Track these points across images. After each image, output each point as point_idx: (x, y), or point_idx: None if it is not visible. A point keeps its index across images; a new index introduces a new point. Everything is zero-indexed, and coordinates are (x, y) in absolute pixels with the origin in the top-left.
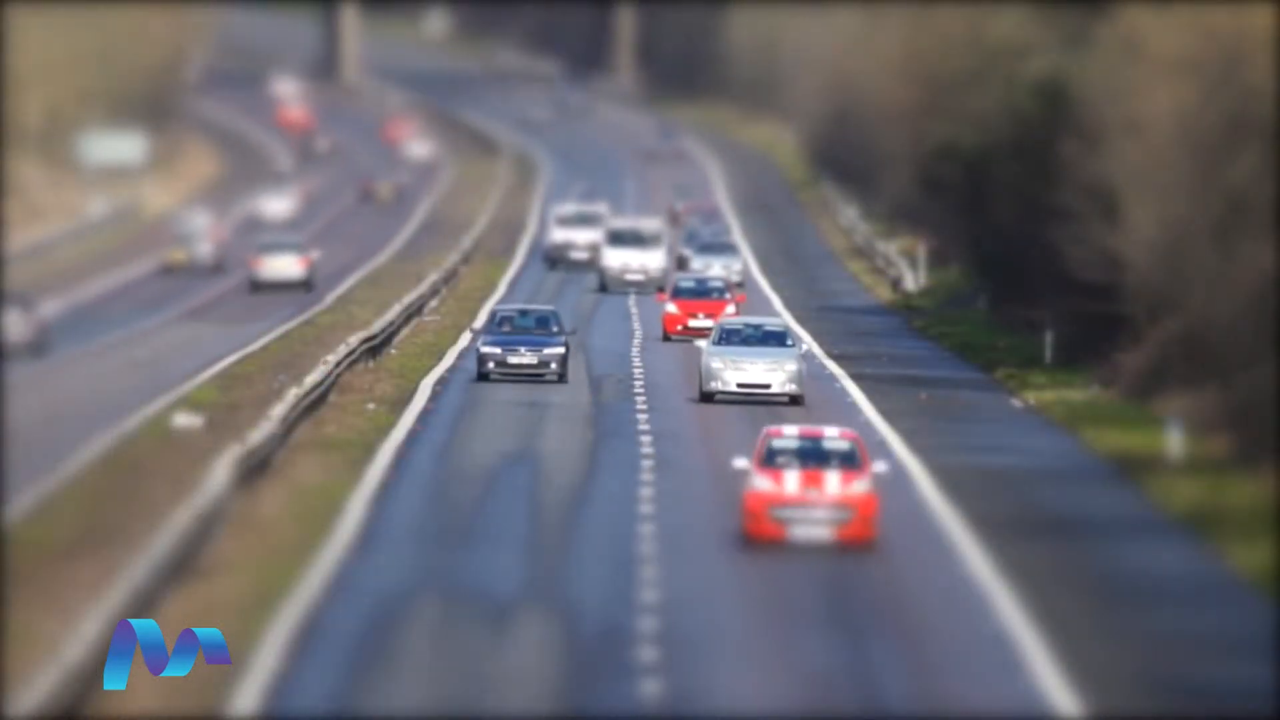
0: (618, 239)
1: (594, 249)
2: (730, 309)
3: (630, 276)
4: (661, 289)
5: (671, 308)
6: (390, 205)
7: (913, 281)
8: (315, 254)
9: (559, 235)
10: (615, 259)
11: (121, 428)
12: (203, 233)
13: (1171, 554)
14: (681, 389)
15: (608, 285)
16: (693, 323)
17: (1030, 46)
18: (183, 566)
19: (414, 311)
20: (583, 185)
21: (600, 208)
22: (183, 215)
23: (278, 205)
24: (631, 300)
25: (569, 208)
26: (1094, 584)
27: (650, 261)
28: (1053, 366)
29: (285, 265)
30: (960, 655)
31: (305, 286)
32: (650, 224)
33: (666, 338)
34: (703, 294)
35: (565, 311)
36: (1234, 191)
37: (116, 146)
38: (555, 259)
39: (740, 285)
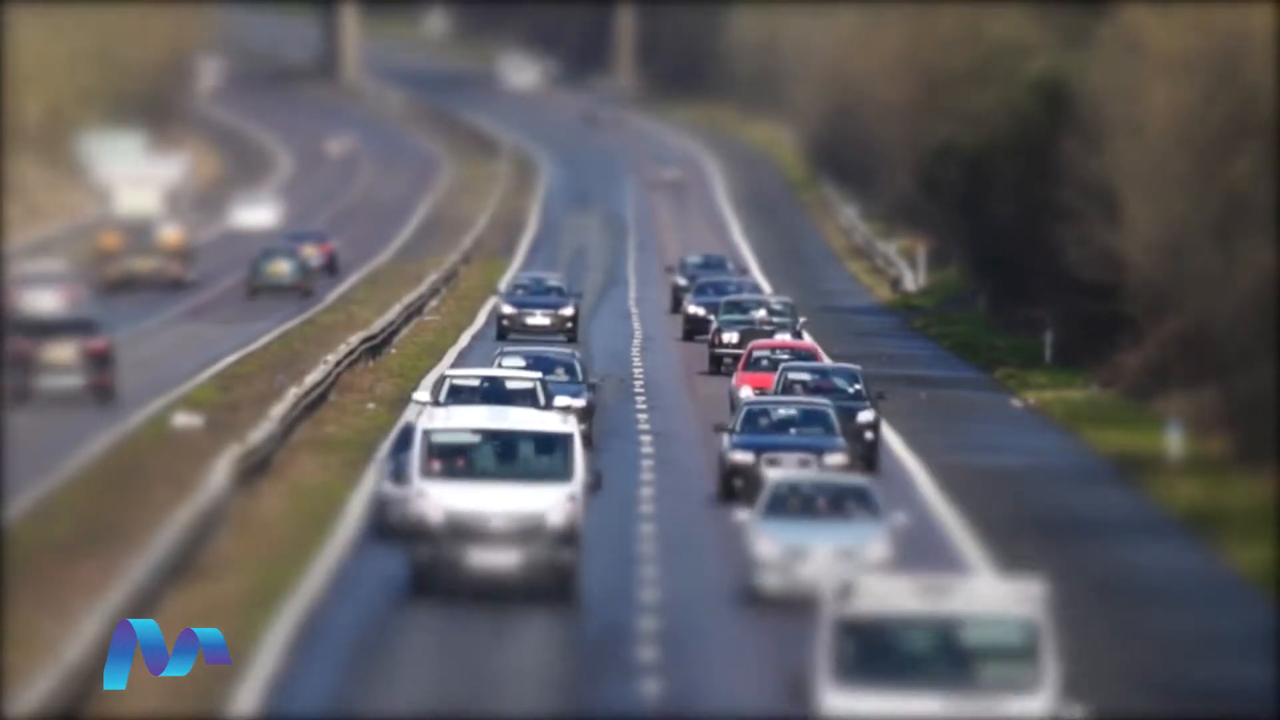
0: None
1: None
2: None
3: None
4: None
5: None
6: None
7: (912, 281)
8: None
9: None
10: None
11: (121, 427)
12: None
13: (1171, 553)
14: (682, 389)
15: None
16: None
17: (1030, 46)
18: (183, 566)
19: (414, 311)
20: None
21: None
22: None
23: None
24: (631, 300)
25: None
26: (1094, 583)
27: None
28: (1053, 366)
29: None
30: None
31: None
32: None
33: None
34: None
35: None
36: (1234, 191)
37: (115, 147)
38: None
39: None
